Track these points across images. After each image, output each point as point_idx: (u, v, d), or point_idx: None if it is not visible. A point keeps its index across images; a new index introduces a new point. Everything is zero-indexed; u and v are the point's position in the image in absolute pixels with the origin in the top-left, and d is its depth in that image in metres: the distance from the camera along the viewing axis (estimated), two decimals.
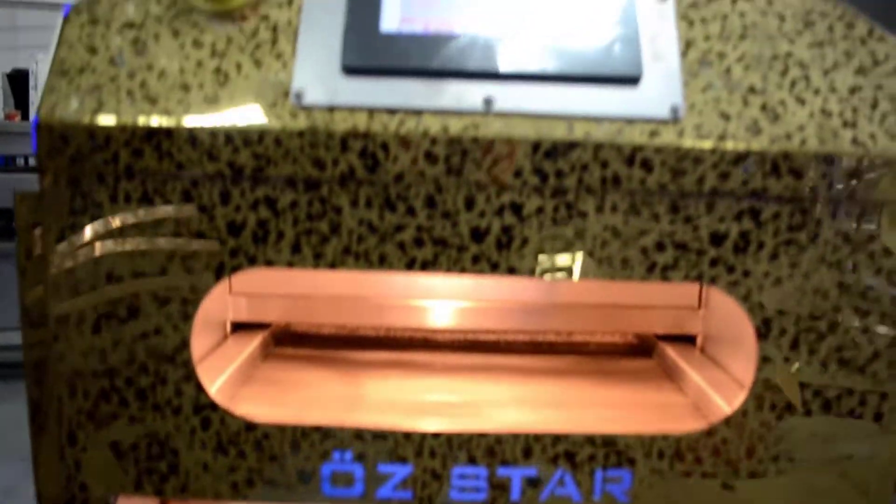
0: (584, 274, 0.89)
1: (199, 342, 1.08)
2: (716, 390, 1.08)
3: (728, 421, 0.94)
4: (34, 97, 4.22)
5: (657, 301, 1.37)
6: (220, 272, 0.89)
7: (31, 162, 3.99)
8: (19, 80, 4.36)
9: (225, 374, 1.07)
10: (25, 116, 4.26)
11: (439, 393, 1.16)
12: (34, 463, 0.94)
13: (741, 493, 0.95)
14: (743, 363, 0.96)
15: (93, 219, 0.87)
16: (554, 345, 1.46)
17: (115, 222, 0.88)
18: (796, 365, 0.93)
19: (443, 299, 1.38)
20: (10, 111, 4.37)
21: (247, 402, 1.07)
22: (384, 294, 1.37)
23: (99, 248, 0.88)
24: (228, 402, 1.00)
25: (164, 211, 0.87)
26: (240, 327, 1.35)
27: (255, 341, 1.27)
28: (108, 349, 0.90)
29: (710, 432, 0.94)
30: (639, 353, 1.43)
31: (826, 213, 0.90)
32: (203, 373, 0.94)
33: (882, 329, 0.93)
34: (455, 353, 1.38)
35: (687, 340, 1.37)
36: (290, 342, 1.40)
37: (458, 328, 1.43)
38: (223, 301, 1.30)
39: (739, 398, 0.94)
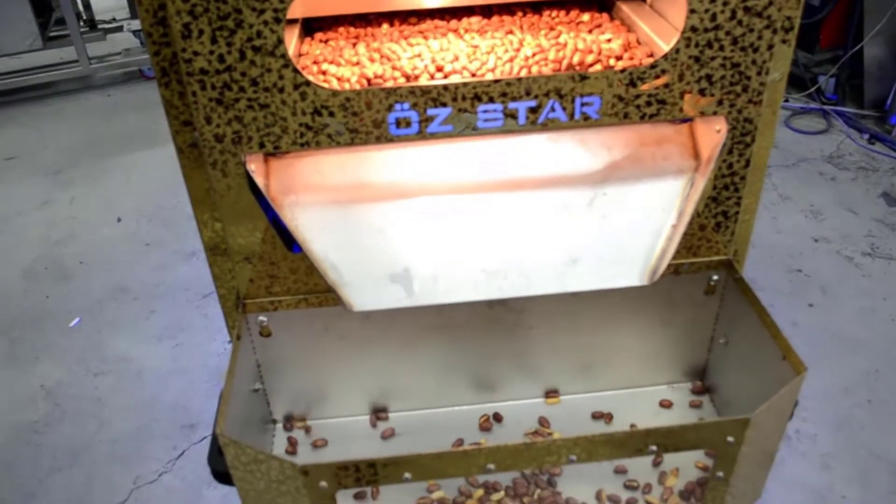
0: None
1: None
2: (659, 36, 1.46)
3: (665, 57, 1.33)
4: None
5: None
6: None
7: None
8: None
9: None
10: None
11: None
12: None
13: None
14: (679, 13, 1.32)
15: None
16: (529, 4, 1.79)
17: None
18: None
19: None
20: None
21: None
22: None
23: None
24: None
25: None
26: None
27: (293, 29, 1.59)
28: (225, 53, 1.24)
29: (653, 65, 1.34)
30: (600, 10, 1.78)
31: None
32: None
33: None
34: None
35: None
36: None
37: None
38: None
39: (674, 39, 1.33)
